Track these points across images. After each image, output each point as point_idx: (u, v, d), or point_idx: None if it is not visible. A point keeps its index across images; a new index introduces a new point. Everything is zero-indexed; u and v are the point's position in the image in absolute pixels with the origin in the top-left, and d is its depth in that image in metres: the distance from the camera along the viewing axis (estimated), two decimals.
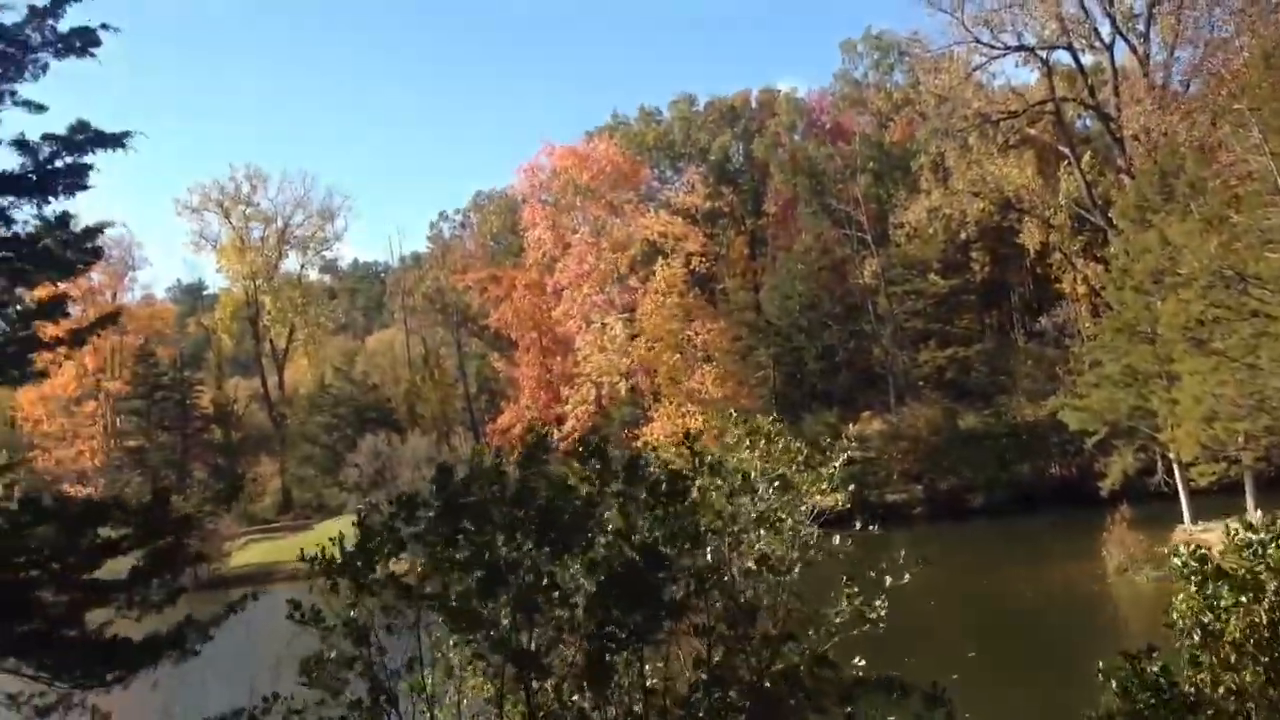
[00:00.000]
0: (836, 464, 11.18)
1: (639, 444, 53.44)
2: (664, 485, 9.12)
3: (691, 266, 63.77)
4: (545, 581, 8.68)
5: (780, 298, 70.03)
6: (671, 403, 59.14)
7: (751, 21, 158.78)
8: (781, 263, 73.60)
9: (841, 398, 65.78)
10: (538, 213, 69.72)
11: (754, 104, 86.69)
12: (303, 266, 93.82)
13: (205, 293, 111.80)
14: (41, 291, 14.96)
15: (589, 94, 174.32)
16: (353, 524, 9.25)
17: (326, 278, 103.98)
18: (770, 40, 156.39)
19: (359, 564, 8.59)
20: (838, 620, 9.86)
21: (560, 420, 63.08)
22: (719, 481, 9.81)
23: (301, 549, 8.82)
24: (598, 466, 9.26)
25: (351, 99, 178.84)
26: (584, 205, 68.37)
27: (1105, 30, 55.14)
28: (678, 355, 61.23)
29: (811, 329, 68.20)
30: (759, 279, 78.07)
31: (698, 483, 9.61)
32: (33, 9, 11.74)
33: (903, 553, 10.82)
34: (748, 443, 11.24)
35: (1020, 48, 56.05)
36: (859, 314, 69.97)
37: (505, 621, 8.65)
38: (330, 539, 8.89)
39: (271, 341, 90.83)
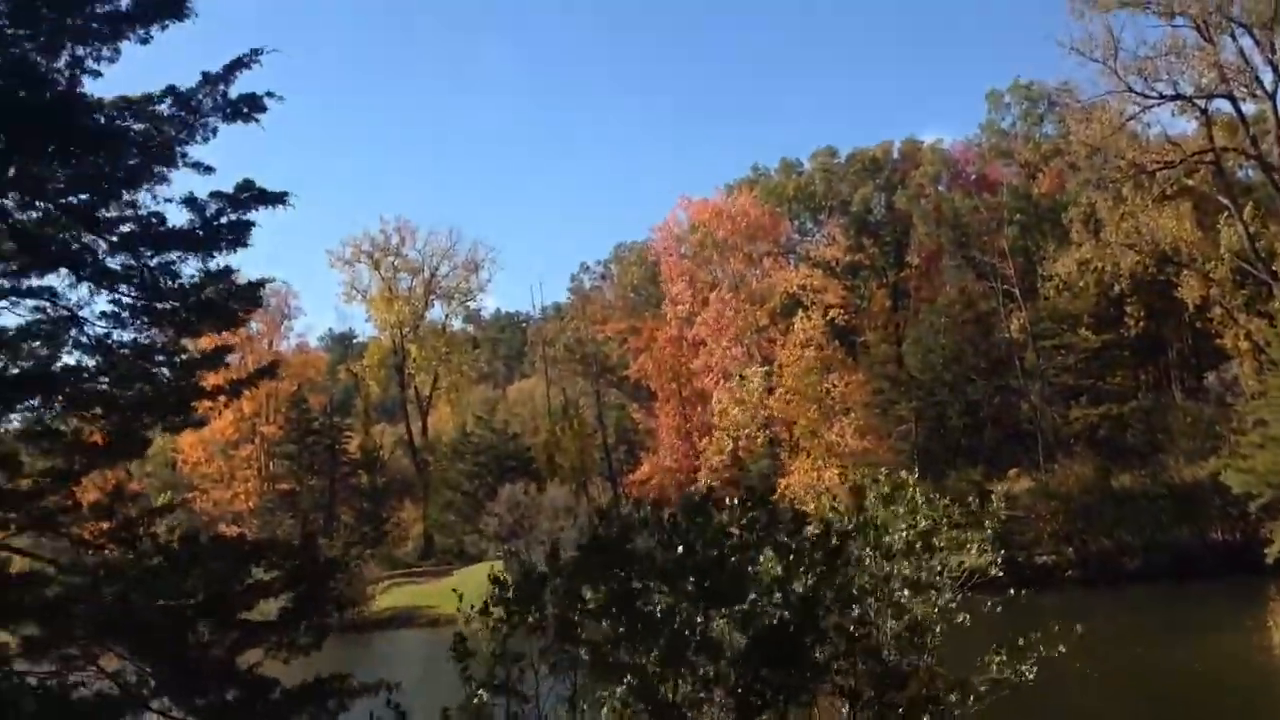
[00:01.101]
0: (990, 527, 10.81)
1: (777, 497, 53.08)
2: (826, 541, 8.96)
3: (831, 319, 63.18)
4: (695, 634, 8.59)
5: (923, 351, 68.79)
6: (810, 455, 58.46)
7: (894, 74, 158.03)
8: (924, 315, 72.34)
9: (987, 454, 63.99)
10: (675, 267, 70.09)
11: (896, 155, 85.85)
12: (447, 316, 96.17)
13: (355, 341, 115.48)
14: (205, 341, 15.59)
15: (730, 146, 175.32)
16: (493, 574, 9.35)
17: (470, 327, 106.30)
18: (913, 92, 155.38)
19: (519, 604, 8.68)
20: (983, 688, 9.52)
21: (697, 471, 62.91)
22: (874, 540, 9.60)
23: (459, 593, 8.96)
24: (758, 518, 9.15)
25: (496, 153, 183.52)
26: (722, 259, 68.46)
27: (1268, 79, 52.87)
28: (816, 408, 60.55)
29: (955, 383, 66.72)
30: (901, 332, 76.86)
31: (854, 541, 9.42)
32: (205, 75, 12.35)
33: (1056, 626, 10.38)
34: (894, 499, 10.98)
35: (1177, 97, 54.08)
36: (1005, 369, 68.13)
37: (652, 671, 8.58)
38: (490, 577, 9.03)
39: (416, 389, 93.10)
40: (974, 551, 10.69)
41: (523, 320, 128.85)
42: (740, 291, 66.03)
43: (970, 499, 11.80)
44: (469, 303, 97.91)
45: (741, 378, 63.36)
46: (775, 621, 8.46)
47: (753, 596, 8.74)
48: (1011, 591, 10.86)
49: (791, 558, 8.87)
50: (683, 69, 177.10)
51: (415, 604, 63.88)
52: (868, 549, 9.47)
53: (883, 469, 11.91)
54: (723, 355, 64.94)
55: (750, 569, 8.94)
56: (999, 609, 10.37)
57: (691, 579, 8.69)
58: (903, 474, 11.51)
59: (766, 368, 63.04)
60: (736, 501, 9.46)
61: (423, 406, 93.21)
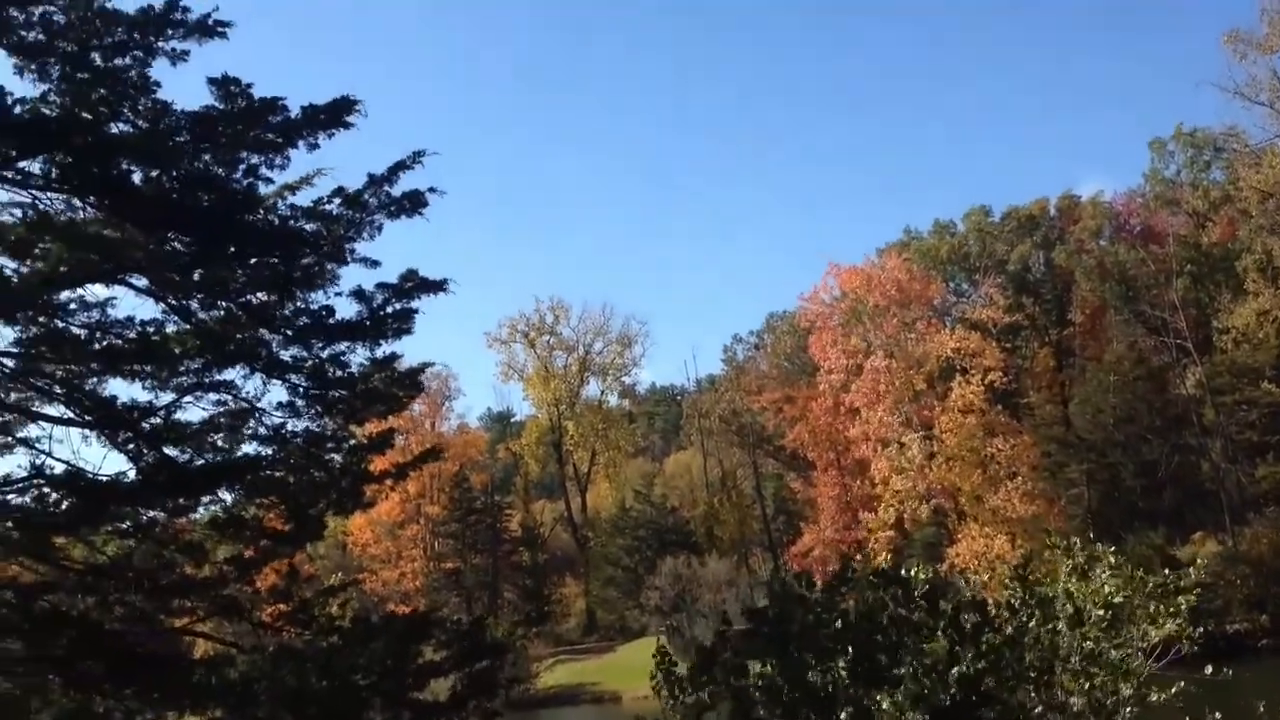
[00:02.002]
0: (1185, 596, 10.16)
1: (945, 566, 51.54)
2: (995, 618, 8.67)
3: (990, 381, 61.48)
4: (863, 714, 8.40)
5: (1091, 410, 66.26)
6: (977, 523, 56.66)
7: (1044, 130, 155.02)
8: (1091, 374, 69.76)
9: (1166, 517, 60.98)
10: (827, 335, 69.40)
11: (1053, 211, 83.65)
12: (603, 392, 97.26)
13: (513, 419, 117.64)
14: (371, 427, 16.15)
15: (879, 210, 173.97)
16: (659, 649, 9.34)
17: (626, 402, 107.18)
18: (1067, 147, 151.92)
19: (690, 680, 8.70)
20: None
21: (860, 543, 61.65)
22: (1046, 614, 9.21)
23: (654, 664, 9.02)
24: (923, 595, 8.92)
25: (646, 229, 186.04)
26: (875, 325, 67.55)
27: None
28: (980, 473, 58.74)
29: (1128, 443, 63.98)
30: (1067, 392, 74.25)
31: (1024, 615, 9.06)
32: (371, 177, 13.02)
33: (1261, 705, 9.72)
34: (1069, 567, 10.51)
35: None
36: (1182, 426, 65.03)
37: None
38: (655, 653, 9.09)
39: (574, 465, 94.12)
40: (1165, 623, 10.10)
41: (677, 393, 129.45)
42: (895, 357, 64.90)
43: (1154, 564, 11.25)
44: (624, 378, 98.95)
45: (901, 445, 62.04)
46: (948, 702, 8.17)
47: (918, 673, 8.47)
48: (1209, 670, 10.14)
49: (962, 634, 8.58)
50: (828, 137, 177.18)
51: (579, 681, 64.04)
52: (1049, 623, 9.06)
53: (1056, 536, 11.37)
54: (879, 423, 63.71)
55: (916, 644, 8.69)
56: (1192, 686, 9.73)
57: (851, 655, 8.52)
58: (1074, 540, 11.02)
59: (926, 434, 61.62)
60: (902, 572, 9.23)
61: (581, 482, 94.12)
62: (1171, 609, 10.02)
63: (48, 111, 12.26)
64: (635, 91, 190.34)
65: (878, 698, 8.41)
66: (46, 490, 13.52)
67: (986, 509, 56.95)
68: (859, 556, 58.20)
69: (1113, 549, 10.61)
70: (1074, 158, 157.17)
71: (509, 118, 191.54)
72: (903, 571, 9.27)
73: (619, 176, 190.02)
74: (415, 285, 13.59)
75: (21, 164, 12.47)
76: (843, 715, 8.36)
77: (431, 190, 13.23)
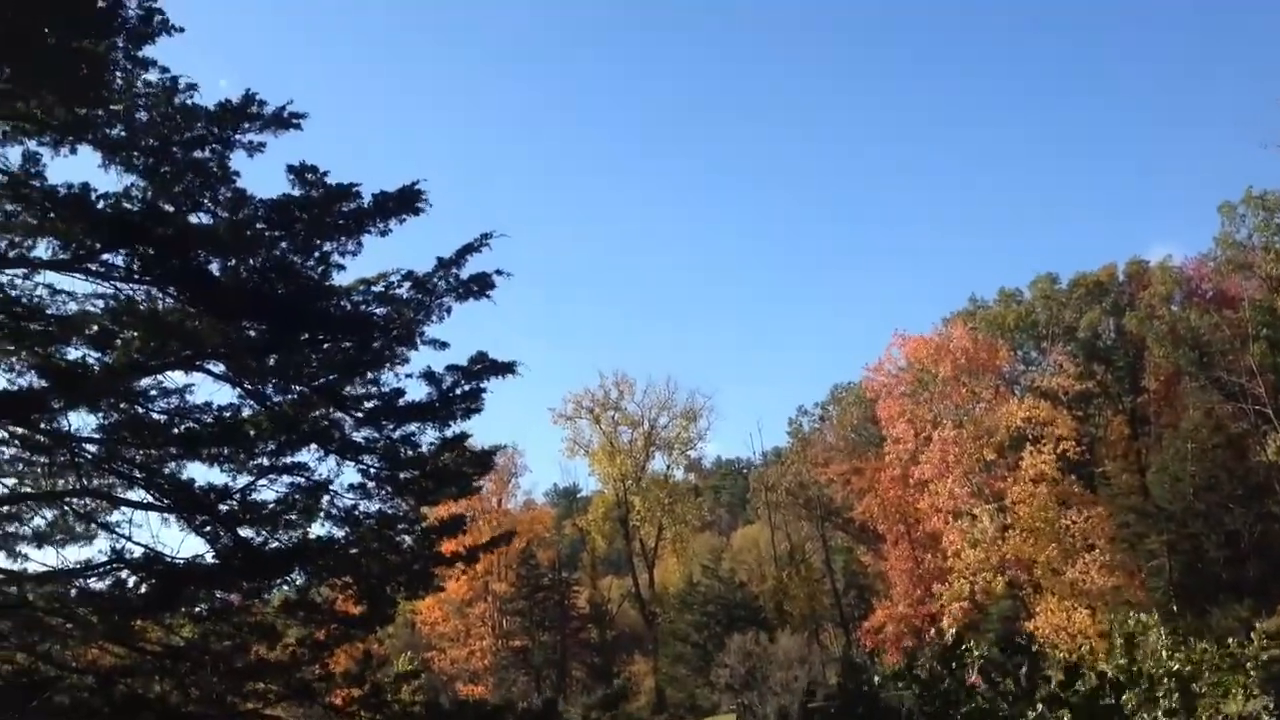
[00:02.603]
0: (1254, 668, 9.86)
1: (1025, 640, 50.26)
2: (1101, 693, 8.39)
3: (1062, 451, 60.34)
4: None
5: (1169, 480, 64.68)
6: (1054, 595, 55.33)
7: (1110, 195, 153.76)
8: (1168, 442, 68.22)
9: (1252, 589, 59.04)
10: (893, 406, 68.71)
11: (1121, 276, 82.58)
12: (669, 466, 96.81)
13: (579, 495, 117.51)
14: (441, 509, 16.25)
15: (944, 279, 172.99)
16: None
17: (692, 476, 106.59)
18: (1133, 212, 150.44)
19: None
20: None
21: (933, 616, 60.39)
22: (1148, 690, 8.92)
23: None
24: (1021, 668, 8.68)
25: (707, 301, 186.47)
26: (942, 395, 66.81)
27: None
28: (1055, 545, 57.45)
29: (1210, 513, 62.24)
30: (1143, 461, 72.64)
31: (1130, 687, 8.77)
32: (439, 260, 13.28)
33: None
34: (1152, 641, 10.23)
35: None
36: (1266, 495, 63.19)
37: None
38: None
39: (641, 541, 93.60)
40: (1240, 697, 9.79)
41: (743, 466, 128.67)
42: (963, 428, 64.05)
43: (1239, 638, 10.89)
44: (689, 452, 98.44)
45: (972, 517, 60.99)
46: None
47: None
48: None
49: (1064, 712, 8.31)
50: (889, 206, 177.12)
51: None
52: (1152, 695, 8.77)
53: (1137, 609, 11.07)
54: (949, 494, 62.74)
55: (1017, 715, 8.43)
56: None
57: None
58: (1149, 615, 10.73)
59: (998, 505, 60.53)
60: (989, 648, 9.02)
61: (648, 558, 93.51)
62: (1240, 680, 9.73)
63: (130, 205, 12.67)
64: (695, 170, 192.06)
65: None
66: (126, 574, 13.75)
67: (1064, 581, 55.64)
68: (932, 631, 57.07)
69: (1180, 618, 10.36)
70: (1140, 222, 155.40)
71: (566, 193, 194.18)
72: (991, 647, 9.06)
73: (679, 249, 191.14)
74: (484, 367, 13.78)
75: (105, 256, 12.87)
76: None
77: (499, 272, 13.47)
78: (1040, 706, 8.38)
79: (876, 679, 8.25)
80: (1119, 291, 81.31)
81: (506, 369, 13.88)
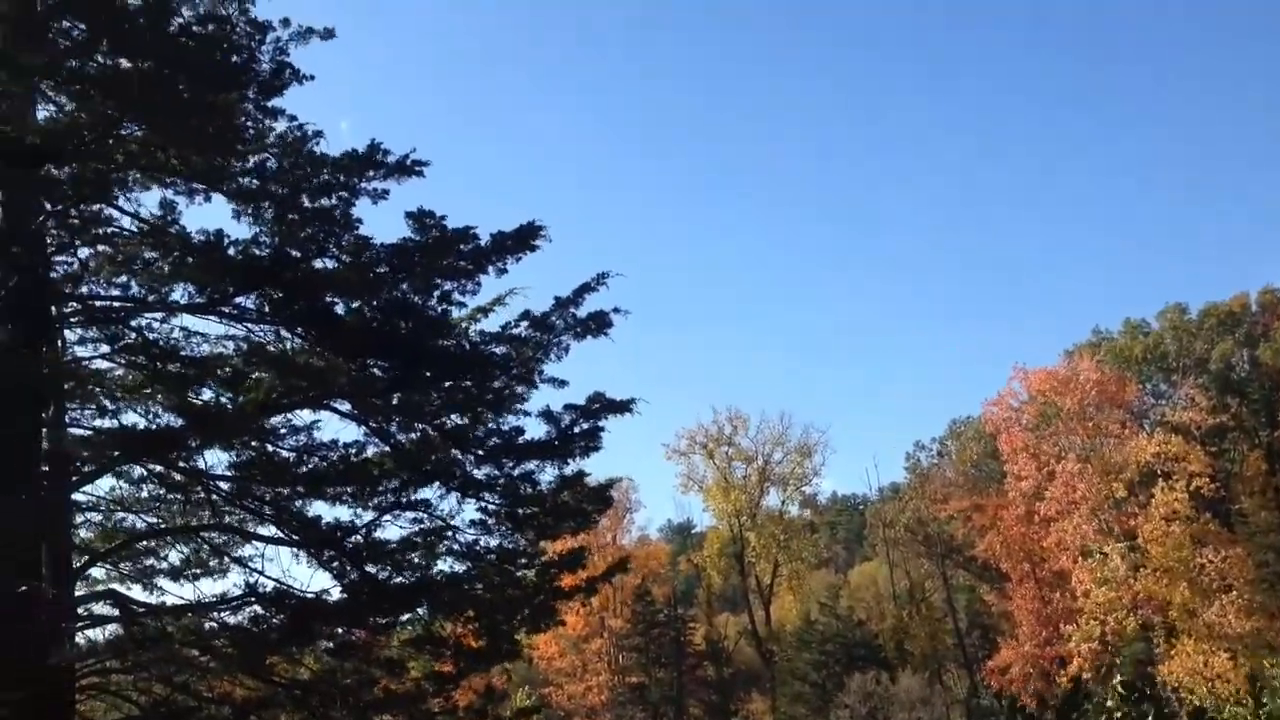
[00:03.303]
0: None
1: (1160, 684, 48.34)
2: None
3: (1196, 488, 58.04)
4: None
5: None
6: (1190, 637, 53.12)
7: (1238, 224, 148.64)
8: None
9: None
10: (1015, 440, 67.06)
11: (1254, 306, 79.65)
12: (784, 502, 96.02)
13: (694, 531, 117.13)
14: (560, 544, 16.38)
15: (1064, 310, 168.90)
16: None
17: (807, 512, 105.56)
18: (1264, 240, 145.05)
19: None
20: None
21: (1063, 659, 58.56)
22: None
23: None
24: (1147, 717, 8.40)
25: (821, 335, 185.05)
26: (1067, 429, 64.99)
27: None
28: (1189, 586, 55.20)
29: None
30: None
31: None
32: (557, 299, 13.52)
33: None
34: None
35: None
36: None
37: None
38: None
39: (757, 577, 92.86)
40: None
41: (859, 502, 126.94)
42: (1090, 463, 62.15)
43: None
44: (804, 487, 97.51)
45: (1103, 555, 59.05)
46: None
47: None
48: None
49: None
50: (1005, 236, 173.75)
51: None
52: None
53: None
54: (1075, 531, 60.87)
55: None
56: None
57: None
58: None
59: (1127, 543, 58.50)
60: (1110, 697, 8.73)
61: (764, 595, 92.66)
62: None
63: (259, 251, 13.19)
64: (807, 205, 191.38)
65: None
66: (259, 608, 14.16)
67: (1200, 624, 53.43)
68: (1061, 672, 55.44)
69: None
70: (1272, 251, 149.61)
71: (678, 226, 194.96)
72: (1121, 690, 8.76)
73: (793, 283, 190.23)
74: (602, 406, 13.92)
75: (237, 300, 13.40)
76: None
77: (616, 310, 13.62)
78: None
79: None
80: (1252, 322, 78.41)
81: (624, 408, 14.01)
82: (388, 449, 14.22)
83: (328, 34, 13.02)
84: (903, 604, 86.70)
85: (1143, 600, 57.35)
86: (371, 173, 12.91)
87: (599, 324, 13.50)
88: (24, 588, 11.97)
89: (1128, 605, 57.71)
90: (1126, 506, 59.95)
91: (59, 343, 13.66)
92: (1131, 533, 58.48)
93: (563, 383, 13.94)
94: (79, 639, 13.61)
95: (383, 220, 13.43)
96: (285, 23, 12.71)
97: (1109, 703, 8.64)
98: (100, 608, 14.46)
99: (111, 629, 14.42)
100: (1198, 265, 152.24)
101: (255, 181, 13.07)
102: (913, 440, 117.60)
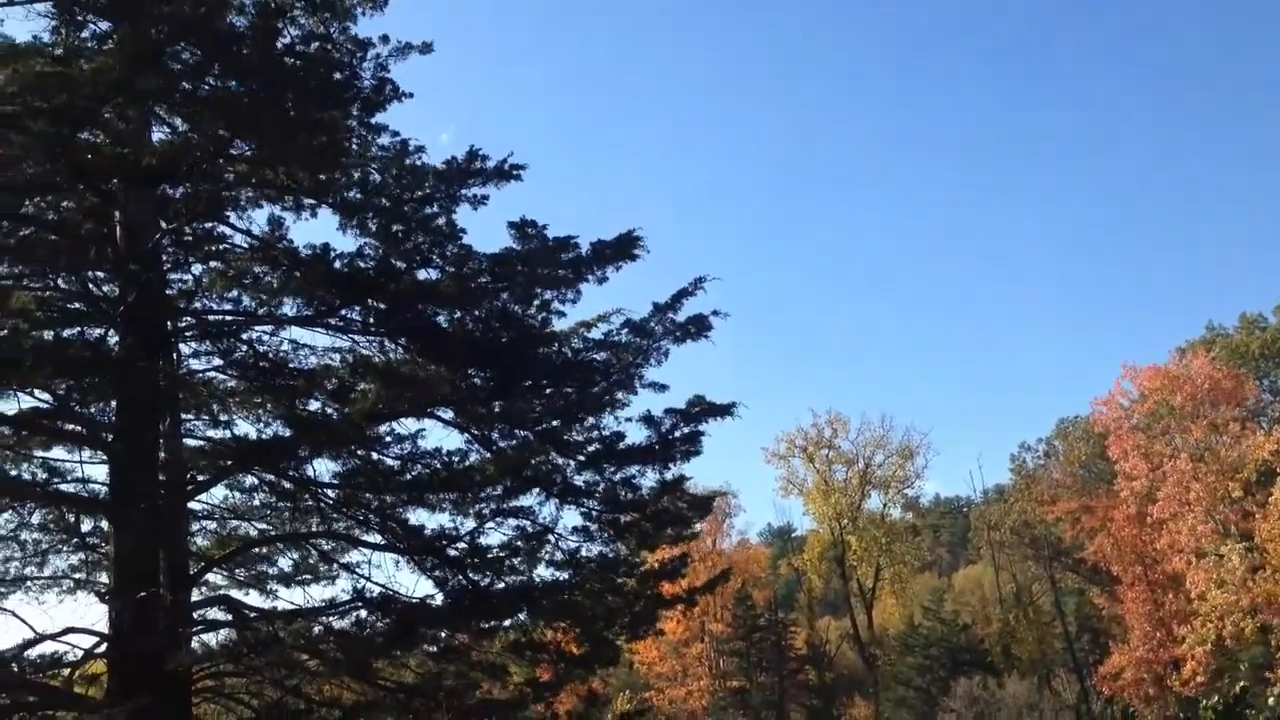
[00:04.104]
0: None
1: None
2: None
3: None
4: None
5: None
6: None
7: None
8: None
9: None
10: (1126, 440, 65.29)
11: None
12: (885, 505, 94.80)
13: (794, 535, 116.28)
14: (661, 553, 16.39)
15: (1174, 306, 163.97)
16: None
17: (909, 515, 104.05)
18: None
19: None
20: None
21: (1177, 663, 56.85)
22: None
23: None
24: None
25: (922, 334, 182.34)
26: (1180, 428, 63.09)
27: None
28: None
29: None
30: None
31: None
32: (655, 305, 13.54)
33: None
34: None
35: None
36: None
37: None
38: None
39: (859, 581, 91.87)
40: None
41: (963, 504, 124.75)
42: (1205, 462, 60.23)
43: None
44: (906, 490, 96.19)
45: (1219, 556, 57.18)
46: None
47: None
48: None
49: None
50: (1114, 232, 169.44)
51: None
52: None
53: None
54: (1189, 533, 59.05)
55: None
56: None
57: None
58: None
59: (1247, 545, 56.54)
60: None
61: (866, 598, 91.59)
62: None
63: (364, 263, 13.47)
64: (901, 198, 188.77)
65: None
66: (365, 613, 14.43)
67: None
68: (1174, 677, 53.88)
69: None
70: None
71: (775, 227, 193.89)
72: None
73: (893, 280, 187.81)
74: (702, 410, 13.89)
75: (343, 312, 13.70)
76: None
77: (715, 313, 13.62)
78: None
79: None
80: None
81: (724, 411, 13.98)
82: (490, 456, 14.38)
83: (426, 48, 13.23)
84: (1009, 607, 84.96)
85: (1261, 603, 55.39)
86: (471, 180, 13.11)
87: (699, 327, 13.50)
88: (143, 594, 12.36)
89: (1245, 608, 55.78)
90: (1243, 506, 58.01)
91: (174, 356, 14.10)
92: (1249, 533, 56.52)
93: (663, 387, 13.97)
94: (195, 643, 14.03)
95: (483, 228, 13.63)
96: (385, 39, 12.96)
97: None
98: (215, 613, 14.87)
99: (225, 633, 14.81)
100: None
101: (359, 195, 13.36)
102: (1018, 441, 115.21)
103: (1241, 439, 59.71)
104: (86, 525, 15.89)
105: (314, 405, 14.45)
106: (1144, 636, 62.97)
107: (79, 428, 14.06)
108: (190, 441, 14.44)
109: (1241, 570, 55.36)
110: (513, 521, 14.87)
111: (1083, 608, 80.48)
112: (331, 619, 14.77)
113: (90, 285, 14.31)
